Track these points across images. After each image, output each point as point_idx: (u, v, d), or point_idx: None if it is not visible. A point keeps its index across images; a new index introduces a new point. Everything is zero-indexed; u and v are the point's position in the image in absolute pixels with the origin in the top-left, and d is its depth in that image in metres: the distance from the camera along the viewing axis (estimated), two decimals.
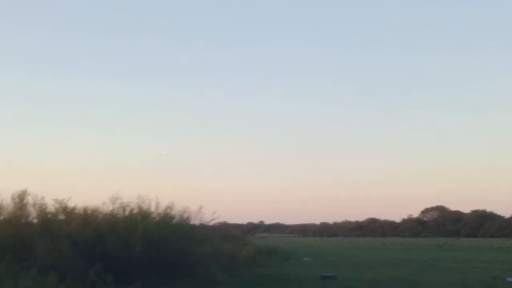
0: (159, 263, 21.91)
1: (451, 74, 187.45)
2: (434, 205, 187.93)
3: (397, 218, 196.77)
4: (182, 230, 23.98)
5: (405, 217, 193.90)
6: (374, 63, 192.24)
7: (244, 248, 31.68)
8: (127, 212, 24.14)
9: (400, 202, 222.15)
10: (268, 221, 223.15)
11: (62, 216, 23.99)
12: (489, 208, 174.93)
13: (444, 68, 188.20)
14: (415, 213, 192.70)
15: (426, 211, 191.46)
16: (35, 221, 23.95)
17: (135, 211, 24.27)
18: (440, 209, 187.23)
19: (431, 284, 23.38)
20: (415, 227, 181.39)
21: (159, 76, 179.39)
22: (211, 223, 25.79)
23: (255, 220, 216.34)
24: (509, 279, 24.74)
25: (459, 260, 41.84)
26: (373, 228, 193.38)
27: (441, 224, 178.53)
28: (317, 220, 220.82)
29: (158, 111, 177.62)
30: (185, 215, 24.82)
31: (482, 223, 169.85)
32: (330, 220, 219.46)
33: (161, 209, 24.59)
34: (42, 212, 23.95)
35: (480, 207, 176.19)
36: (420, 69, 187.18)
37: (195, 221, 25.16)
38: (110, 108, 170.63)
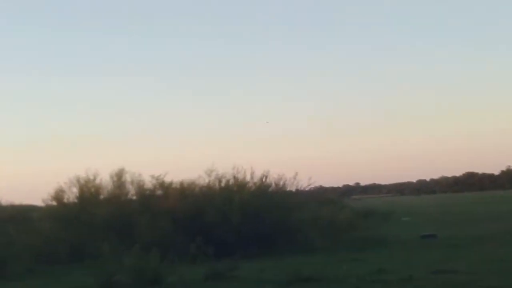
0: (257, 232, 21.96)
1: None
2: None
3: (496, 171, 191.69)
4: (278, 198, 23.97)
5: (504, 168, 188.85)
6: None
7: (342, 212, 31.33)
8: (223, 184, 24.31)
9: (497, 154, 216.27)
10: (363, 182, 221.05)
11: (159, 192, 24.38)
12: None
13: None
14: None
15: None
16: (134, 198, 24.45)
17: (231, 182, 24.42)
18: None
19: None
20: None
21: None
22: (307, 189, 25.73)
23: (350, 182, 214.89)
24: None
25: None
26: (471, 183, 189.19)
27: None
28: (413, 178, 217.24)
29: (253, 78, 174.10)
30: (281, 183, 24.81)
31: None
32: (427, 177, 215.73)
33: (256, 179, 24.68)
34: (141, 189, 24.42)
35: None
36: None
37: (291, 188, 25.17)
38: (201, 71, 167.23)
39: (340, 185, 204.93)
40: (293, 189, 25.11)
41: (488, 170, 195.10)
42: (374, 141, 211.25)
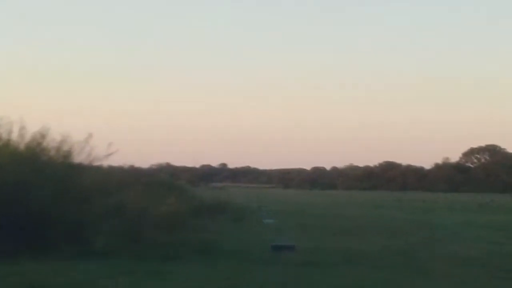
0: (15, 220, 21.46)
1: None
2: (482, 144, 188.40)
3: (427, 164, 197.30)
4: (56, 172, 23.56)
5: (439, 161, 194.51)
6: None
7: (164, 202, 31.25)
8: None
9: (431, 141, 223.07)
10: (233, 164, 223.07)
11: None
12: None
13: None
14: (454, 156, 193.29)
15: (470, 152, 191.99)
16: None
17: None
18: (492, 150, 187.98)
19: (434, 260, 23.25)
20: (452, 177, 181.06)
21: None
22: (110, 163, 25.58)
23: (215, 162, 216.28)
24: None
25: (498, 226, 41.88)
26: (390, 177, 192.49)
27: (491, 172, 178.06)
28: (308, 165, 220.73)
29: None
30: (65, 148, 24.39)
31: None
32: (328, 165, 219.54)
33: (28, 138, 24.14)
34: None
35: None
36: None
37: (80, 158, 24.82)
38: None
39: (197, 165, 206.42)
40: (85, 160, 24.85)
41: (416, 162, 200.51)
42: (256, 110, 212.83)
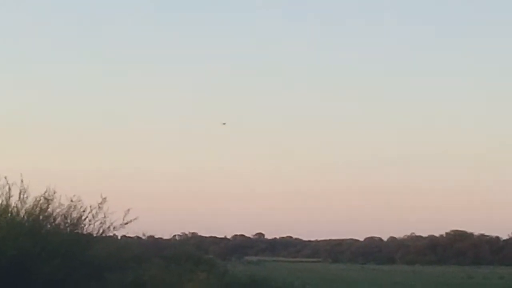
0: None
1: None
2: None
3: (503, 233, 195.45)
4: (63, 243, 23.62)
5: None
6: None
7: (193, 278, 31.23)
8: None
9: (509, 206, 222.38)
10: (271, 234, 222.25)
11: None
12: None
13: None
14: None
15: None
16: None
17: None
18: None
19: None
20: None
21: None
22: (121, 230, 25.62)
23: (250, 232, 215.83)
24: None
25: None
26: (459, 249, 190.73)
27: None
28: (360, 235, 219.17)
29: None
30: (73, 215, 24.47)
31: None
32: (384, 235, 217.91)
33: (29, 203, 24.21)
34: None
35: None
36: None
37: (92, 228, 24.87)
38: None
39: (229, 236, 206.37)
40: (97, 229, 24.93)
41: (492, 232, 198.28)
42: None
